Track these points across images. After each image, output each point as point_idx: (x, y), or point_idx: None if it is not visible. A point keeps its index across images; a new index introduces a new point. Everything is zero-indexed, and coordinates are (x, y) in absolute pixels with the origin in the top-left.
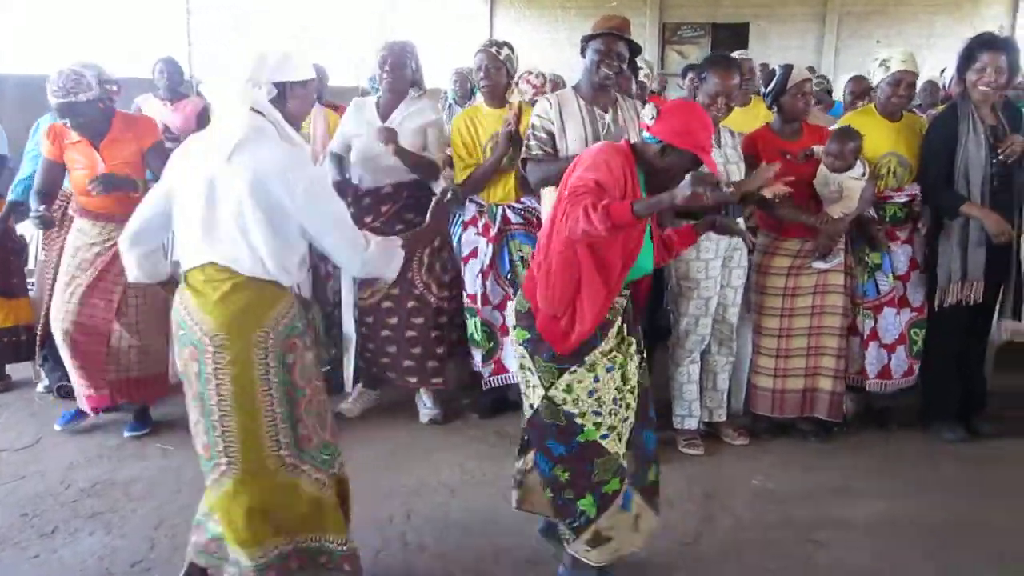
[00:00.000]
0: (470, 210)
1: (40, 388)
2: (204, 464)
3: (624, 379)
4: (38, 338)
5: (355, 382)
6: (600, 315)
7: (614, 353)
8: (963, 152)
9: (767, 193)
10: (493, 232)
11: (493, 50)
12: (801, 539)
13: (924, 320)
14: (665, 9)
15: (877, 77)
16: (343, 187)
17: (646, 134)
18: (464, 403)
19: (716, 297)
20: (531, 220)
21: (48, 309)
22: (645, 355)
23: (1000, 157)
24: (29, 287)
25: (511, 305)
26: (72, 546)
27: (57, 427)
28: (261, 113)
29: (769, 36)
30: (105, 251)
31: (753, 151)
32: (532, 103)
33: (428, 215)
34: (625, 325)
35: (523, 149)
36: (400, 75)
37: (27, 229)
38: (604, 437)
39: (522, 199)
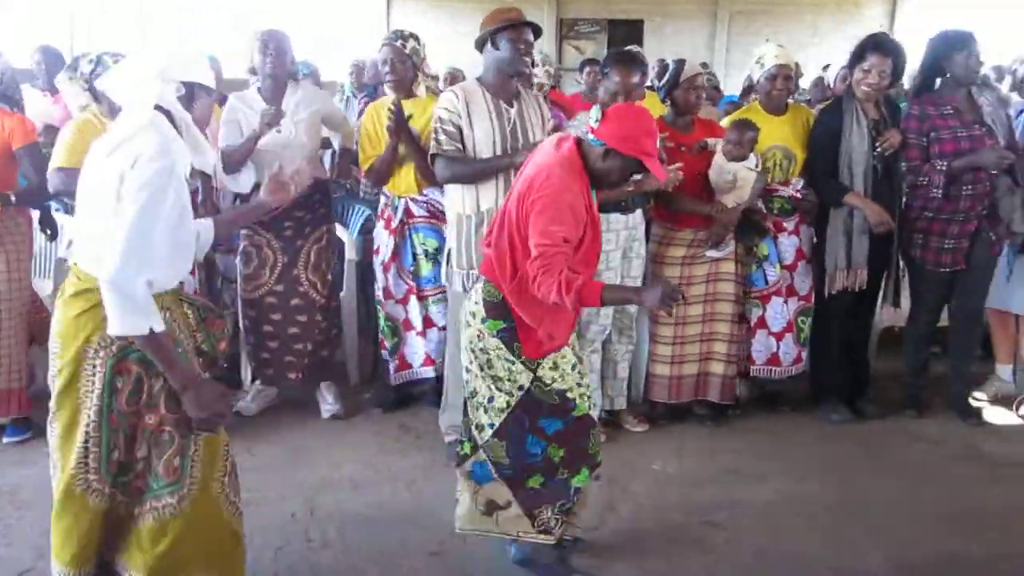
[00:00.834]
0: (381, 203)
1: None
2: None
3: (578, 358)
4: None
5: (253, 379)
6: (572, 326)
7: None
8: (847, 144)
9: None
10: (395, 225)
11: (399, 44)
12: (699, 521)
13: (811, 308)
14: (562, 5)
15: (756, 74)
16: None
17: (591, 136)
18: (366, 398)
19: None
20: (434, 213)
21: None
22: None
23: (879, 150)
24: None
25: (413, 299)
26: None
27: None
28: (168, 112)
29: (663, 33)
30: None
31: None
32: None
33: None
34: None
35: (432, 144)
36: (283, 61)
37: None
38: (592, 408)
39: (424, 191)
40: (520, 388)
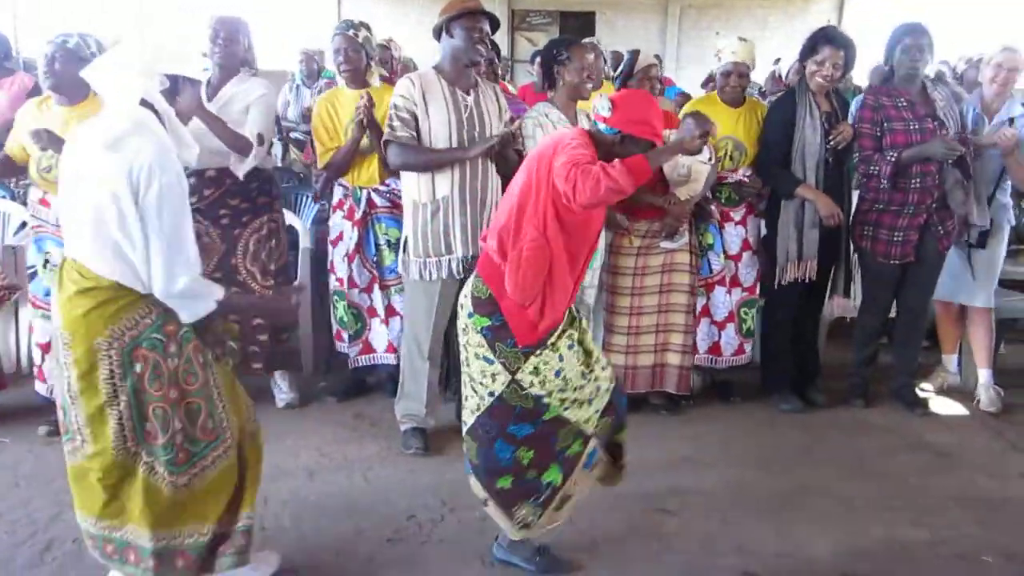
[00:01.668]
0: (337, 193)
1: None
2: (63, 436)
3: (587, 352)
4: None
5: None
6: (568, 303)
7: (568, 331)
8: (800, 136)
9: None
10: (358, 216)
11: (351, 33)
12: (652, 508)
13: (754, 300)
14: None
15: (714, 66)
16: None
17: (602, 125)
18: (321, 386)
19: None
20: (396, 203)
21: None
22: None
23: (832, 143)
24: None
25: (376, 288)
26: None
27: None
28: (152, 105)
29: (615, 25)
30: None
31: None
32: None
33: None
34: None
35: (386, 130)
36: (232, 50)
37: None
38: (566, 409)
39: (387, 181)
40: (491, 394)
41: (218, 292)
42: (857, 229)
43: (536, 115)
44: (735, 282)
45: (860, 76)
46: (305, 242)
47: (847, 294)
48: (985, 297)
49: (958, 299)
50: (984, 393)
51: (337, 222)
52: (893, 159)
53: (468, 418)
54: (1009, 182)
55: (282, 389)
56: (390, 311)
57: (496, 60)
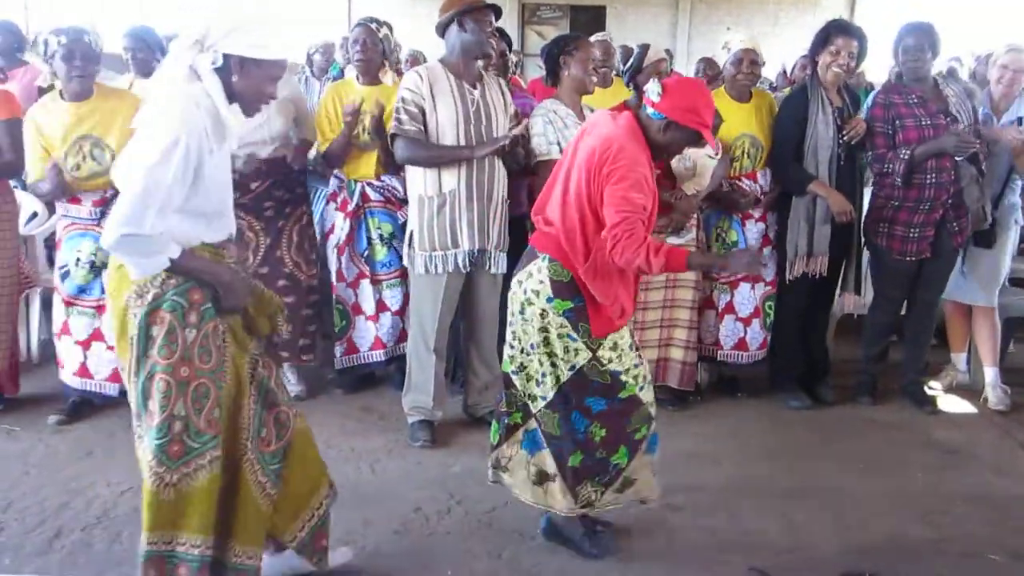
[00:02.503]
0: (332, 185)
1: None
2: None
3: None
4: None
5: None
6: (636, 293)
7: None
8: (812, 131)
9: None
10: (351, 208)
11: (373, 26)
12: (660, 504)
13: (775, 294)
14: None
15: (723, 60)
16: None
17: (651, 110)
18: (329, 378)
19: None
20: (390, 199)
21: None
22: None
23: (845, 138)
24: None
25: (364, 283)
26: None
27: None
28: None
29: (625, 20)
30: None
31: None
32: None
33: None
34: None
35: (393, 123)
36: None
37: None
38: (641, 389)
39: (382, 177)
40: (572, 368)
41: (174, 251)
42: (871, 227)
43: (544, 111)
44: (757, 277)
45: (872, 73)
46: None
47: (857, 291)
48: (986, 296)
49: (956, 297)
50: (992, 392)
51: (330, 213)
52: (906, 156)
53: (547, 392)
54: (1019, 181)
55: (290, 381)
56: (381, 306)
57: (508, 53)
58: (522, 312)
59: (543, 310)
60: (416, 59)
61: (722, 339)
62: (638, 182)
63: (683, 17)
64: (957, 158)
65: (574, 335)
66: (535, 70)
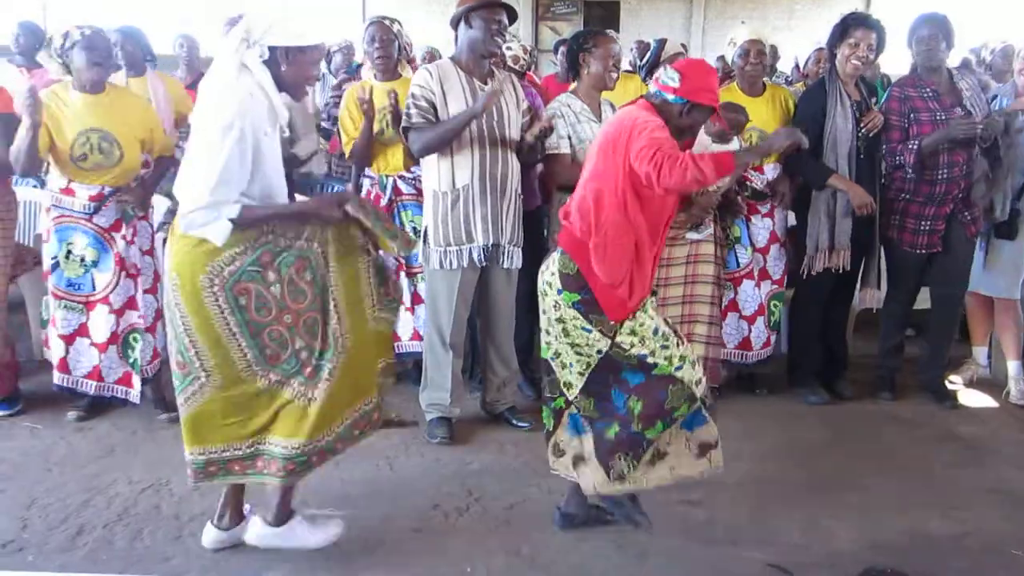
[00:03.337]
0: (365, 186)
1: None
2: (179, 381)
3: (667, 323)
4: None
5: None
6: (653, 274)
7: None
8: (832, 125)
9: None
10: (384, 203)
11: (386, 22)
12: (678, 499)
13: (782, 292)
14: None
15: (731, 55)
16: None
17: (671, 96)
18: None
19: None
20: (422, 190)
21: None
22: None
23: (863, 131)
24: None
25: (402, 276)
26: None
27: None
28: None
29: (640, 14)
30: None
31: None
32: None
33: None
34: None
35: (404, 118)
36: None
37: None
38: (678, 369)
39: (412, 169)
40: (599, 352)
41: (232, 212)
42: (884, 219)
43: (557, 105)
44: (764, 275)
45: (889, 66)
46: None
47: (878, 285)
48: (1008, 288)
49: (977, 289)
50: (1015, 385)
51: None
52: (915, 147)
53: (577, 381)
54: None
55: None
56: (416, 299)
57: (526, 53)
58: (543, 303)
59: (556, 302)
60: (432, 56)
61: (725, 337)
62: (661, 128)
63: (697, 11)
64: (972, 150)
65: (588, 326)
66: (549, 66)
